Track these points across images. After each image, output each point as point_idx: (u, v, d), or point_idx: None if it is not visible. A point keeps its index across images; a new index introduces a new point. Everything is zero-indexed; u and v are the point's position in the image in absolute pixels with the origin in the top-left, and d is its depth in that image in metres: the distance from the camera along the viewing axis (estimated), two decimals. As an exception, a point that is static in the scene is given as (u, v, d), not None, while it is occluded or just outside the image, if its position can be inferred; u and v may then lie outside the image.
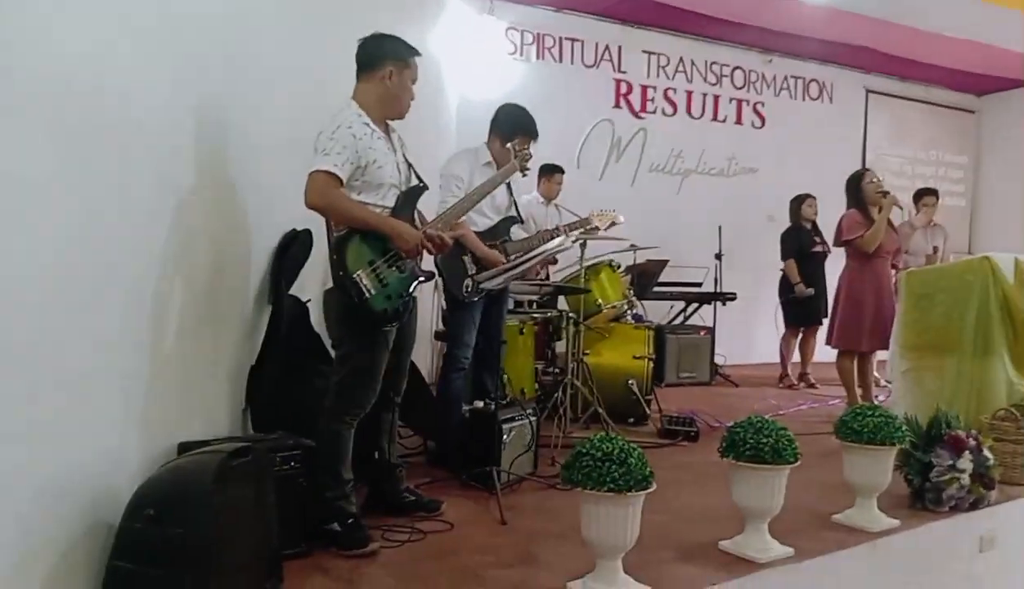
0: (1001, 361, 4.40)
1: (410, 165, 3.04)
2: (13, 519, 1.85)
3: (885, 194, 5.37)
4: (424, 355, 4.04)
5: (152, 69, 2.38)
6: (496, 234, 3.96)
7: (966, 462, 3.34)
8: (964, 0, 6.75)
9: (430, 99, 6.06)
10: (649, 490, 2.34)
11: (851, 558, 2.92)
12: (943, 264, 6.07)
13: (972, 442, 3.41)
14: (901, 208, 5.63)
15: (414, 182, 3.03)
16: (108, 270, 2.18)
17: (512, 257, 3.85)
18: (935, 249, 6.77)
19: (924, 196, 7.00)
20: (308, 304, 3.45)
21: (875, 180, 5.49)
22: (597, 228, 4.49)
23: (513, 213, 4.02)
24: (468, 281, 3.79)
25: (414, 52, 2.97)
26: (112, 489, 2.24)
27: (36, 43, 1.85)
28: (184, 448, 2.50)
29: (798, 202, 7.14)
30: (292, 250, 3.34)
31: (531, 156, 3.66)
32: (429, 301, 5.92)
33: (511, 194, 4.00)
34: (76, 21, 2.00)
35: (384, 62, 2.88)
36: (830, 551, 2.89)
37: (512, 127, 3.86)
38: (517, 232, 4.09)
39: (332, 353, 3.21)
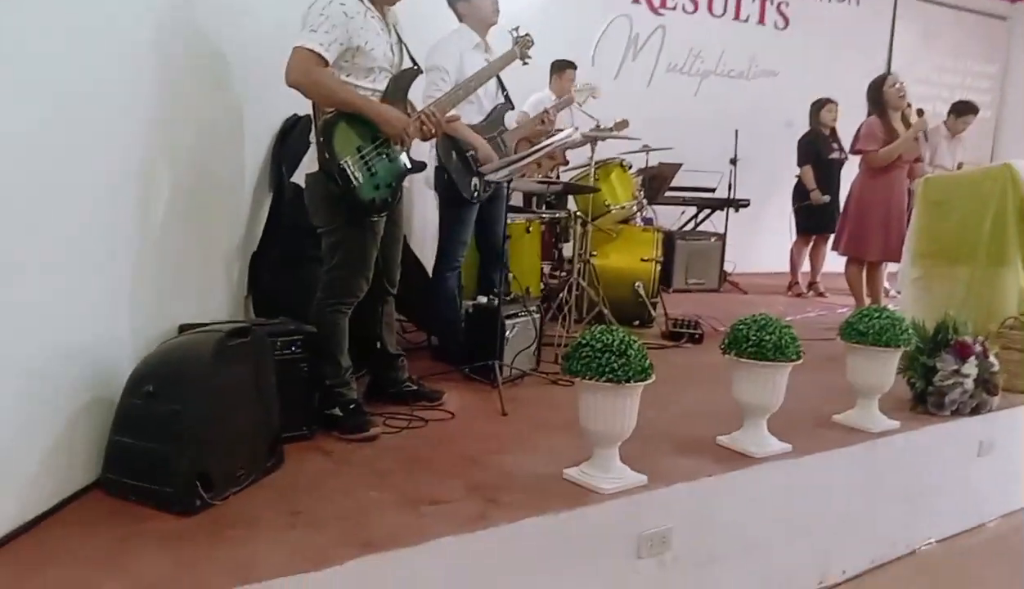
0: (1015, 270, 4.32)
1: (404, 46, 2.90)
2: (12, 393, 1.86)
3: (909, 105, 5.21)
4: (430, 251, 3.99)
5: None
6: (492, 124, 3.80)
7: (971, 368, 3.32)
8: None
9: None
10: (648, 382, 2.33)
11: (848, 456, 2.94)
12: (961, 171, 5.93)
13: (979, 348, 3.39)
14: (927, 134, 5.47)
15: (407, 64, 2.91)
16: (87, 151, 2.10)
17: (510, 146, 3.75)
18: (960, 164, 6.62)
19: (966, 114, 6.79)
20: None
21: (898, 85, 5.31)
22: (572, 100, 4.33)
23: (502, 99, 3.86)
24: (475, 180, 3.70)
25: None
26: (111, 367, 2.25)
27: None
28: (184, 330, 2.51)
29: (818, 107, 6.95)
30: (293, 136, 3.27)
31: (532, 43, 3.51)
32: (432, 195, 5.82)
33: (499, 78, 3.83)
34: None
35: None
36: (828, 449, 2.90)
37: None
38: (510, 119, 3.95)
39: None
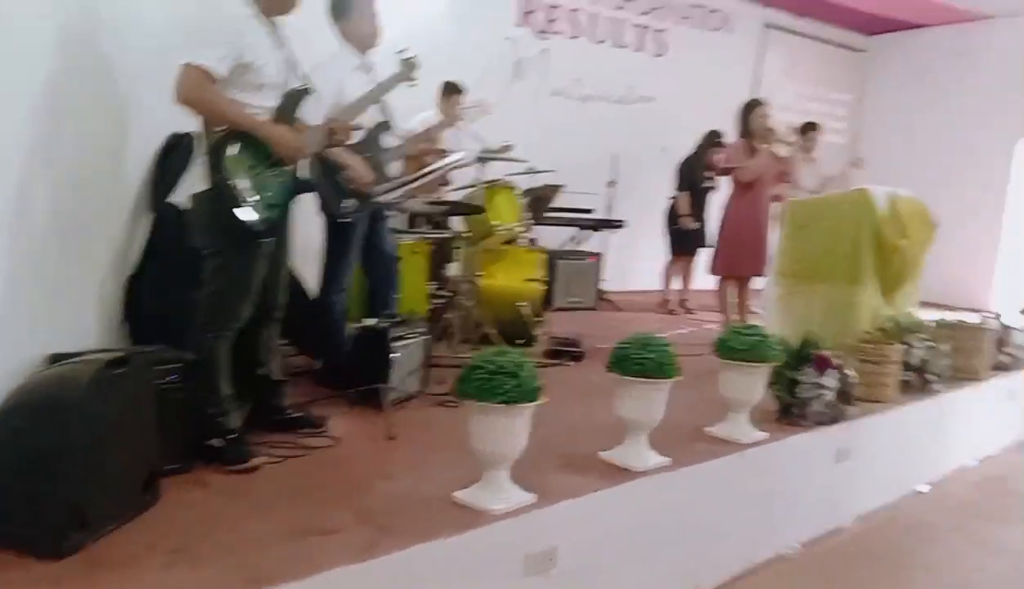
0: (868, 288, 4.69)
1: (295, 64, 2.89)
2: None
3: (771, 130, 5.56)
4: (313, 273, 3.95)
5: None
6: (368, 145, 3.74)
7: (831, 380, 3.57)
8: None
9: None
10: (539, 403, 2.39)
11: (722, 467, 3.10)
12: (825, 195, 6.34)
13: (837, 362, 3.64)
14: (790, 144, 5.84)
15: (298, 83, 2.89)
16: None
17: (388, 166, 3.77)
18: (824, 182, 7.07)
19: (809, 130, 7.24)
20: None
21: (765, 114, 5.65)
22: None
23: (382, 118, 3.85)
24: (347, 201, 3.67)
25: None
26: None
27: None
28: (56, 359, 2.38)
29: (710, 141, 7.15)
30: (176, 154, 3.17)
31: (417, 65, 3.54)
32: (317, 215, 5.74)
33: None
34: None
35: None
36: (703, 461, 3.05)
37: (342, 1, 3.67)
38: (388, 139, 3.93)
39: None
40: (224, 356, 2.77)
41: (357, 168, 3.62)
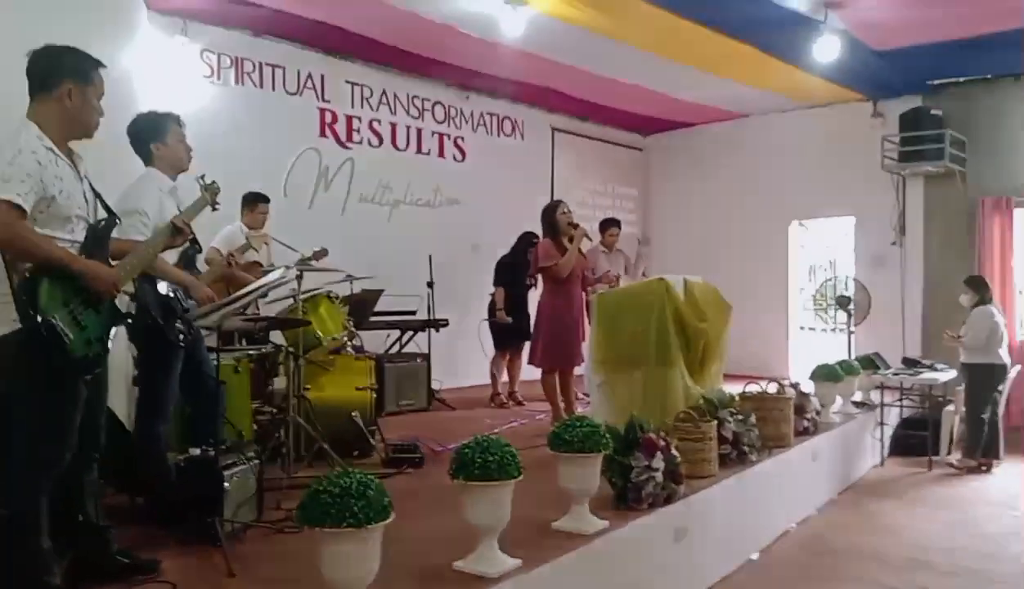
0: (678, 369, 5.04)
1: (97, 195, 2.81)
2: None
3: (576, 226, 5.95)
4: (122, 403, 3.69)
5: None
6: (184, 265, 3.66)
7: (659, 461, 3.77)
8: (629, 48, 7.61)
9: (120, 122, 5.58)
10: (388, 520, 2.36)
11: (572, 560, 3.17)
12: (628, 286, 6.80)
13: (663, 443, 3.86)
14: (591, 240, 6.26)
15: (102, 214, 2.80)
16: None
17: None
18: (618, 276, 7.58)
19: (610, 227, 7.79)
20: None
21: (567, 212, 6.04)
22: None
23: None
24: (180, 323, 3.53)
25: (97, 64, 2.75)
26: None
27: None
28: None
29: (527, 241, 7.41)
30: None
31: (219, 190, 3.50)
32: (123, 342, 5.39)
33: None
34: None
35: (61, 80, 2.64)
36: (553, 557, 3.10)
37: (156, 124, 3.63)
38: (199, 261, 3.86)
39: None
40: (42, 507, 2.54)
41: (195, 285, 3.54)
